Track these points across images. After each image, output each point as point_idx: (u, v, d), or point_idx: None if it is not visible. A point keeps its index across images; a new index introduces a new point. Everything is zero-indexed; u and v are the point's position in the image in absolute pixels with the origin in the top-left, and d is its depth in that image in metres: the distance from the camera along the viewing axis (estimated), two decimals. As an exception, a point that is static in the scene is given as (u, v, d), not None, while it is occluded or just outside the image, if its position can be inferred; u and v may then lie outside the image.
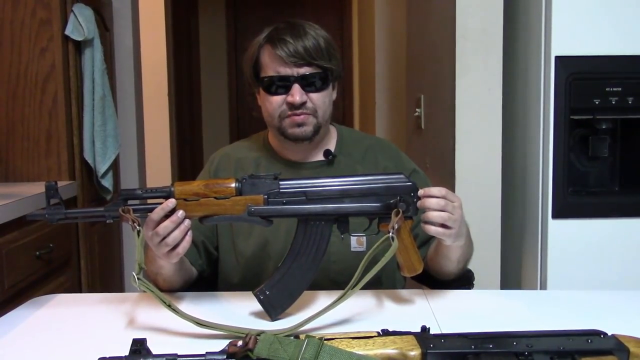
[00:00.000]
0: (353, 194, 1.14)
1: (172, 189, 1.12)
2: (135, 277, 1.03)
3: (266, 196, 1.12)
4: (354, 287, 1.03)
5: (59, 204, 1.12)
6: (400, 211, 1.12)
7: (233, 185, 1.12)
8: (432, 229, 1.15)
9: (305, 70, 1.32)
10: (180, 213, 1.11)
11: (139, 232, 1.09)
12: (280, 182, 1.13)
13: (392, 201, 1.13)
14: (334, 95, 1.42)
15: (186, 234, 1.12)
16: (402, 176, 1.16)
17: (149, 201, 1.13)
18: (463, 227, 1.21)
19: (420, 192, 1.15)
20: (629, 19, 1.69)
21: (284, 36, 1.32)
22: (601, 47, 1.70)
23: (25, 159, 2.38)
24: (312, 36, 1.33)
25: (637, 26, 1.70)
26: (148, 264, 1.24)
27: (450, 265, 1.30)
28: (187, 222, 1.11)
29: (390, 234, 1.08)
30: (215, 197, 1.11)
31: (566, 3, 1.70)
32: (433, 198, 1.14)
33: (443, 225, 1.14)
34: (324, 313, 1.04)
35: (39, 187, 2.12)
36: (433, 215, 1.14)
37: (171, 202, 1.11)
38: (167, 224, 1.10)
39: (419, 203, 1.14)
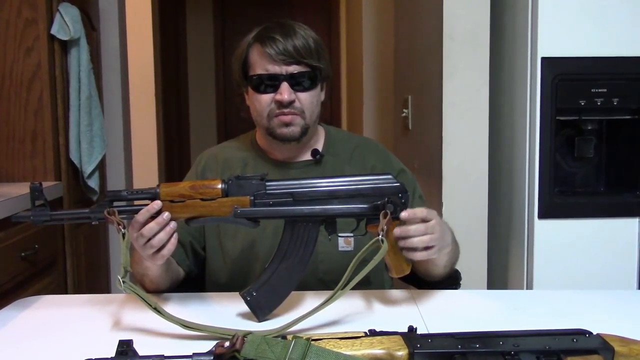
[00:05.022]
0: (340, 195, 1.13)
1: (158, 190, 1.11)
2: (121, 280, 1.03)
3: (252, 197, 1.12)
4: (342, 288, 1.03)
5: (43, 205, 1.10)
6: (389, 213, 1.11)
7: (219, 186, 1.11)
8: (417, 255, 1.14)
9: (294, 68, 1.32)
10: (165, 215, 1.10)
11: (124, 234, 1.08)
12: (267, 183, 1.13)
13: (379, 202, 1.12)
14: (323, 96, 1.42)
15: (172, 235, 1.11)
16: (389, 177, 1.15)
17: (135, 203, 1.12)
18: (447, 236, 1.20)
19: (404, 214, 1.12)
20: (614, 21, 1.71)
21: (274, 35, 1.32)
22: (587, 48, 1.72)
23: (11, 159, 2.36)
24: (301, 35, 1.33)
25: (623, 28, 1.71)
26: (134, 265, 1.24)
27: (437, 270, 1.31)
28: (172, 224, 1.11)
29: (380, 236, 1.08)
30: (202, 199, 1.11)
31: (552, 5, 1.71)
32: (413, 226, 1.12)
33: (426, 247, 1.14)
34: (312, 314, 1.03)
35: (24, 188, 2.10)
36: (415, 241, 1.12)
37: (157, 204, 1.10)
38: (153, 225, 1.09)
39: (399, 231, 1.12)
